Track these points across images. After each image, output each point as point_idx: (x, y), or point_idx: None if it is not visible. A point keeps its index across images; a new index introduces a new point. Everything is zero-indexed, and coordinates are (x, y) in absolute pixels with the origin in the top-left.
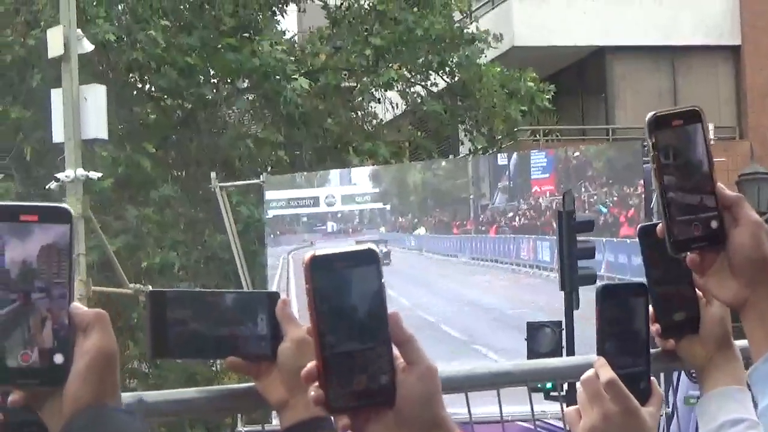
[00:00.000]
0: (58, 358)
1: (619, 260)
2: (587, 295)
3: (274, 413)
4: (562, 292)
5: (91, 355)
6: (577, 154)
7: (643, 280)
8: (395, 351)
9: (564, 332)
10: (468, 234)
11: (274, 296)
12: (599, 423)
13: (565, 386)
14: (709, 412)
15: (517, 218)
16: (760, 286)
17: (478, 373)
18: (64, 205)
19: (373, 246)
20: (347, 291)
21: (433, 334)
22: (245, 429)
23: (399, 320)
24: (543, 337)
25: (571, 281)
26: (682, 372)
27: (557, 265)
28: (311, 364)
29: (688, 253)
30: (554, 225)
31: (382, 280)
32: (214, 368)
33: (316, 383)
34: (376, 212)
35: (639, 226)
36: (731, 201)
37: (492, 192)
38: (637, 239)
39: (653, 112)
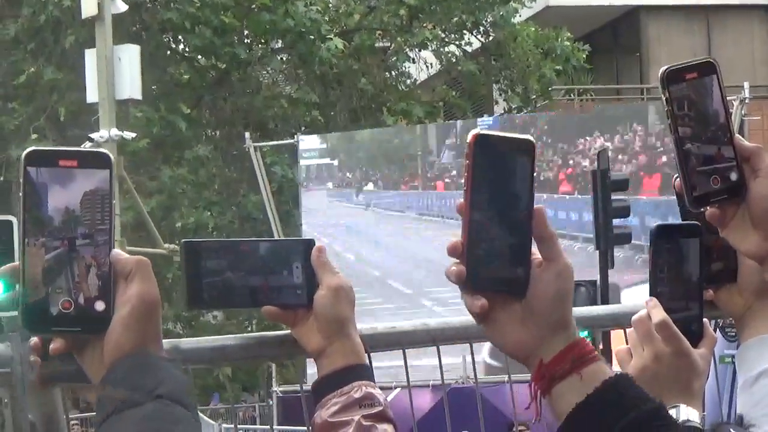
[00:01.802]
0: (99, 306)
1: (558, 216)
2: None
3: (308, 374)
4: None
5: (132, 302)
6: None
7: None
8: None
9: (599, 292)
10: (415, 190)
11: (310, 244)
12: (650, 363)
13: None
14: (748, 359)
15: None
16: None
17: None
18: (103, 150)
19: (532, 138)
20: (503, 175)
21: (380, 289)
22: (280, 389)
23: (544, 216)
24: (578, 296)
25: (606, 240)
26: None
27: None
28: (456, 239)
29: (708, 207)
30: None
31: (534, 174)
32: (249, 328)
33: (457, 260)
34: (323, 167)
35: (674, 177)
36: (750, 152)
37: (440, 149)
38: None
39: (666, 66)
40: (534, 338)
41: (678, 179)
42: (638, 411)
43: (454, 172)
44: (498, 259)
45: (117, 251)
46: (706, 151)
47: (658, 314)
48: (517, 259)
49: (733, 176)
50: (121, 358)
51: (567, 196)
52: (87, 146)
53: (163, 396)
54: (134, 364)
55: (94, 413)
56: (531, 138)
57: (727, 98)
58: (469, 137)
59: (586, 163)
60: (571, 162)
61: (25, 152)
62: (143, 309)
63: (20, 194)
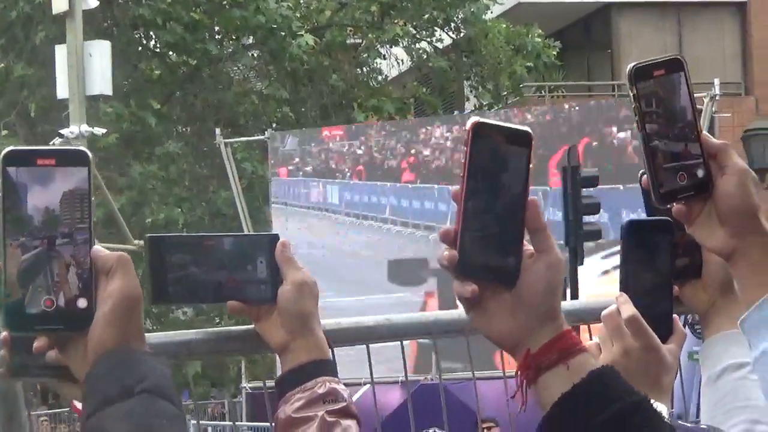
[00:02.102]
0: (82, 303)
1: (402, 204)
2: None
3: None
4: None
5: (114, 298)
6: None
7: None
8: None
9: (569, 289)
10: None
11: (274, 239)
12: (619, 358)
13: None
14: (712, 355)
15: (309, 161)
16: (748, 234)
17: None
18: (81, 147)
19: (530, 130)
20: (500, 165)
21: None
22: (249, 385)
23: (538, 208)
24: None
25: (576, 236)
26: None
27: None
28: (451, 226)
29: (675, 203)
30: (346, 169)
31: (531, 165)
32: (220, 323)
33: (449, 246)
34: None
35: (640, 172)
36: (717, 149)
37: (283, 136)
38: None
39: (633, 63)
40: (522, 328)
41: (645, 175)
42: (623, 402)
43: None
44: (490, 247)
45: (98, 248)
46: (673, 147)
47: (628, 309)
48: (509, 248)
49: (700, 173)
50: (103, 354)
51: (410, 185)
52: (57, 142)
53: (147, 391)
54: (117, 360)
55: (65, 409)
56: (529, 130)
57: (698, 95)
58: (468, 125)
59: (427, 152)
60: (413, 151)
61: (3, 152)
62: (125, 305)
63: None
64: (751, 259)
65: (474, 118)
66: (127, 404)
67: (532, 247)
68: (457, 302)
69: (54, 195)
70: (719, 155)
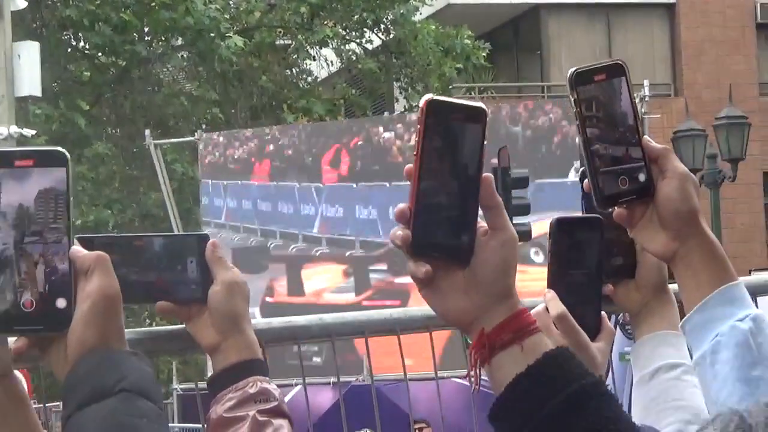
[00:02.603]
0: (61, 303)
1: (243, 206)
2: None
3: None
4: None
5: (93, 298)
6: None
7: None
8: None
9: None
10: None
11: (204, 238)
12: None
13: None
14: (643, 356)
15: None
16: (688, 238)
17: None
18: (59, 148)
19: (484, 106)
20: (454, 142)
21: None
22: (180, 386)
23: (492, 184)
24: None
25: None
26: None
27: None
28: (404, 204)
29: (616, 207)
30: None
31: (485, 142)
32: (151, 325)
33: (403, 225)
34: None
35: (580, 170)
36: (658, 153)
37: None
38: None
39: (575, 68)
40: (476, 307)
41: (586, 179)
42: (578, 384)
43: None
44: (444, 226)
45: (76, 248)
46: (614, 151)
47: (556, 307)
48: (462, 226)
49: (642, 177)
50: (83, 354)
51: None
52: None
53: (127, 390)
54: (97, 359)
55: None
56: (483, 106)
57: None
58: (421, 102)
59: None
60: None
61: None
62: (103, 304)
63: None
64: (692, 262)
65: (427, 96)
66: (106, 404)
67: (485, 225)
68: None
69: (28, 194)
70: (660, 159)
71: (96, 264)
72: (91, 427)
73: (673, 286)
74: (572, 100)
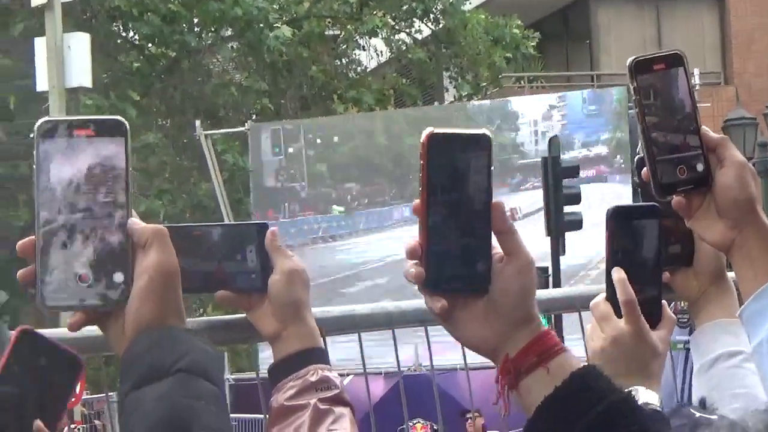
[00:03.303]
0: (118, 277)
1: None
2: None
3: (260, 359)
4: None
5: (150, 273)
6: None
7: None
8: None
9: (551, 278)
10: None
11: (263, 227)
12: (608, 345)
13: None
14: (703, 344)
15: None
16: (746, 227)
17: None
18: (118, 117)
19: (488, 132)
20: (459, 172)
21: None
22: (233, 377)
23: (502, 210)
24: None
25: (557, 226)
26: None
27: None
28: (415, 241)
29: (674, 195)
30: None
31: (491, 168)
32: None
33: (416, 261)
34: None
35: (636, 157)
36: (716, 142)
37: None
38: None
39: (634, 57)
40: (498, 334)
41: (645, 168)
42: (608, 402)
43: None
44: (458, 257)
45: (134, 220)
46: (672, 139)
47: (625, 291)
48: (477, 255)
49: (700, 167)
50: (141, 331)
51: None
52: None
53: (185, 370)
54: (155, 337)
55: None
56: (487, 132)
57: None
58: (423, 136)
59: None
60: None
61: (38, 122)
62: (161, 280)
63: (33, 166)
64: (749, 251)
65: (428, 129)
66: (163, 384)
67: (501, 250)
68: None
69: (93, 168)
70: (718, 149)
71: (154, 237)
72: (147, 408)
73: (731, 274)
74: (632, 88)
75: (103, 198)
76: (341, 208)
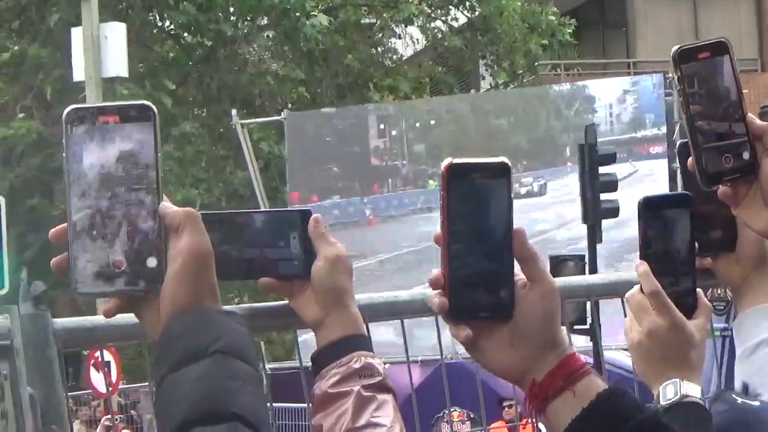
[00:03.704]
0: (151, 262)
1: None
2: None
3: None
4: None
5: (184, 256)
6: None
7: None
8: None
9: (587, 265)
10: None
11: (306, 215)
12: (645, 338)
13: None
14: (745, 329)
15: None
16: None
17: None
18: (145, 102)
19: (506, 160)
20: (479, 201)
21: None
22: (269, 366)
23: (524, 237)
24: (566, 271)
25: (593, 214)
26: None
27: None
28: (437, 271)
29: (720, 185)
30: None
31: (512, 195)
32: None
33: (439, 291)
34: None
35: (678, 143)
36: (762, 130)
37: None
38: None
39: (678, 46)
40: (524, 359)
41: (690, 158)
42: (634, 422)
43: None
44: (481, 285)
45: (165, 204)
46: (717, 128)
47: (650, 283)
48: (500, 283)
49: (746, 155)
50: (176, 314)
51: None
52: None
53: (222, 351)
54: (190, 319)
55: (85, 392)
56: (506, 160)
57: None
58: (442, 167)
59: None
60: None
61: (66, 110)
62: (195, 262)
63: (63, 154)
64: None
65: (447, 160)
66: (200, 365)
67: (524, 276)
68: None
69: (122, 154)
70: (765, 136)
71: (186, 220)
72: (185, 389)
73: None
74: (675, 77)
75: (133, 183)
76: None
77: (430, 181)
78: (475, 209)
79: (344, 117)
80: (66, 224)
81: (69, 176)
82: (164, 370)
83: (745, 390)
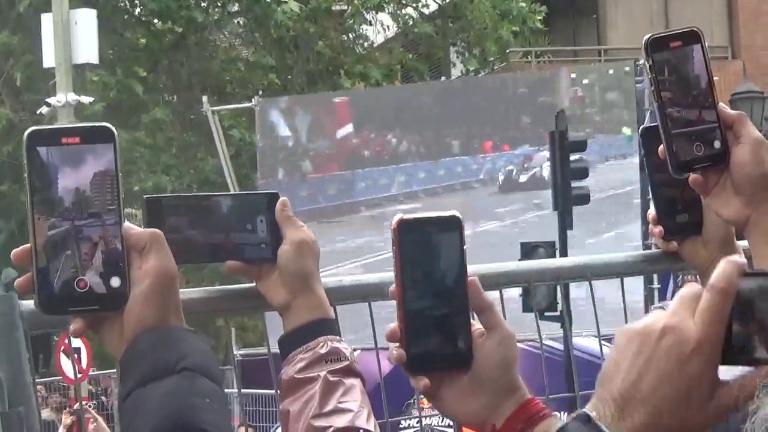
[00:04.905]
0: (115, 282)
1: None
2: None
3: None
4: None
5: (151, 277)
6: None
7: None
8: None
9: (558, 252)
10: None
11: (274, 198)
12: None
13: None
14: None
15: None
16: (762, 203)
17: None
18: (105, 124)
19: (457, 213)
20: (432, 255)
21: None
22: (240, 352)
23: (479, 287)
24: (536, 257)
25: (564, 201)
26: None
27: None
28: (394, 325)
29: (691, 173)
30: None
31: (464, 247)
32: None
33: (397, 344)
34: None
35: (641, 127)
36: (733, 119)
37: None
38: None
39: (650, 34)
40: (484, 406)
41: (661, 146)
42: None
43: None
44: (438, 336)
45: (128, 225)
46: (688, 114)
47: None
48: (457, 333)
49: (717, 144)
50: (143, 332)
51: None
52: (44, 111)
53: (189, 368)
54: (157, 337)
55: (57, 378)
56: (456, 213)
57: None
58: (393, 223)
59: None
60: None
61: (27, 132)
62: (162, 283)
63: (26, 176)
64: (765, 227)
65: (398, 215)
66: (167, 382)
67: (480, 326)
68: None
69: (84, 175)
70: (735, 125)
71: (152, 241)
72: (152, 405)
73: (742, 243)
74: (647, 65)
75: (96, 204)
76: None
77: None
78: (428, 262)
79: (315, 103)
80: (29, 245)
81: (31, 197)
82: (130, 385)
83: None
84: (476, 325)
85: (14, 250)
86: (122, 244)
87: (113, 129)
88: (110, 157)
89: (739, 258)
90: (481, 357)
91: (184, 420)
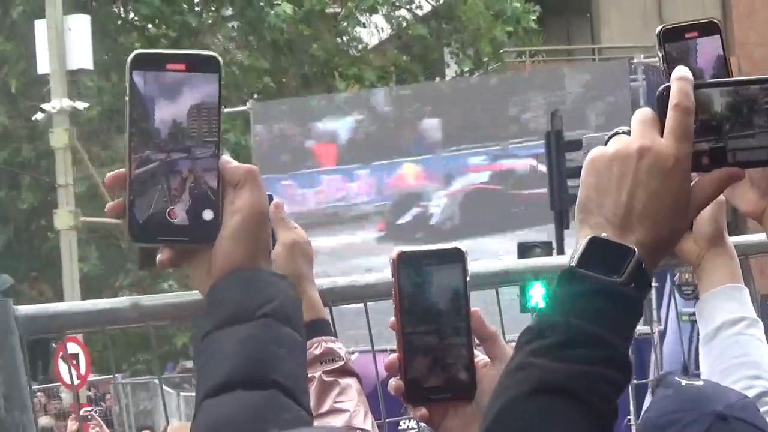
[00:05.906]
0: (207, 215)
1: None
2: None
3: None
4: None
5: (243, 213)
6: None
7: None
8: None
9: (555, 252)
10: None
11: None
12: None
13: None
14: (706, 314)
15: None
16: None
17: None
18: (212, 53)
19: (460, 246)
20: (432, 288)
21: None
22: None
23: (480, 318)
24: (533, 257)
25: (560, 201)
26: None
27: None
28: (394, 356)
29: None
30: None
31: (467, 279)
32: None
33: (397, 376)
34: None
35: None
36: None
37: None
38: None
39: (663, 25)
40: None
41: None
42: None
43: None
44: (439, 367)
45: (226, 158)
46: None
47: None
48: (460, 364)
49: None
50: (230, 271)
51: None
52: (39, 117)
53: (270, 315)
54: (243, 278)
55: (55, 384)
56: (459, 246)
57: None
58: (393, 255)
59: None
60: None
61: (131, 56)
62: (254, 220)
63: (126, 101)
64: None
65: (397, 249)
66: (246, 327)
67: (484, 356)
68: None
69: (183, 106)
70: None
71: (247, 177)
72: (230, 349)
73: (733, 239)
74: (660, 56)
75: (194, 135)
76: None
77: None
78: (429, 294)
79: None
80: (124, 170)
81: (130, 121)
82: (210, 326)
83: (685, 370)
84: (479, 356)
85: (108, 174)
86: (218, 177)
87: (220, 59)
88: (214, 88)
89: (687, 74)
90: (486, 387)
91: (259, 369)
